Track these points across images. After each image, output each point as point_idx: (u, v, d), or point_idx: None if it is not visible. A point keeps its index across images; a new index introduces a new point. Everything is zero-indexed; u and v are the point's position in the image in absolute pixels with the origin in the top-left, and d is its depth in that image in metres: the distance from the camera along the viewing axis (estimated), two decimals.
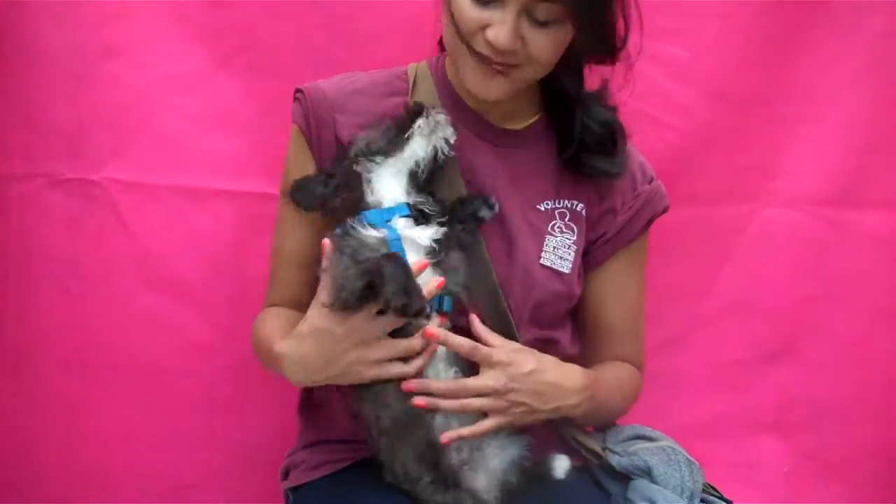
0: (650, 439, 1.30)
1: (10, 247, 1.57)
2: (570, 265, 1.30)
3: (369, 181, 1.20)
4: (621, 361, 1.39)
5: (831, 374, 1.69)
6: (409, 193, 1.20)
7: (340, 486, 1.25)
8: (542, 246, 1.28)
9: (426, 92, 1.31)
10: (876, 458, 1.71)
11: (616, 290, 1.36)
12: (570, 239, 1.30)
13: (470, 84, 1.22)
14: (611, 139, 1.28)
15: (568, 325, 1.36)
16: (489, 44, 1.16)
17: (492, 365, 1.17)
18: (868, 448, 1.71)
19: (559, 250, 1.29)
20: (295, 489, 1.31)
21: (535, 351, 1.22)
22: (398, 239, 1.15)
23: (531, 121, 1.32)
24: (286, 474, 1.34)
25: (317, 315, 1.15)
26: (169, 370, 1.59)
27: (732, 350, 1.69)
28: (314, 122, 1.28)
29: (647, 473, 1.23)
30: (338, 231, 1.18)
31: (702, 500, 1.23)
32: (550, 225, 1.30)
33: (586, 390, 1.23)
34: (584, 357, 1.38)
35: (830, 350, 1.69)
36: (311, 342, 1.15)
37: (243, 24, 1.59)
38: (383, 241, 1.14)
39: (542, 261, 1.28)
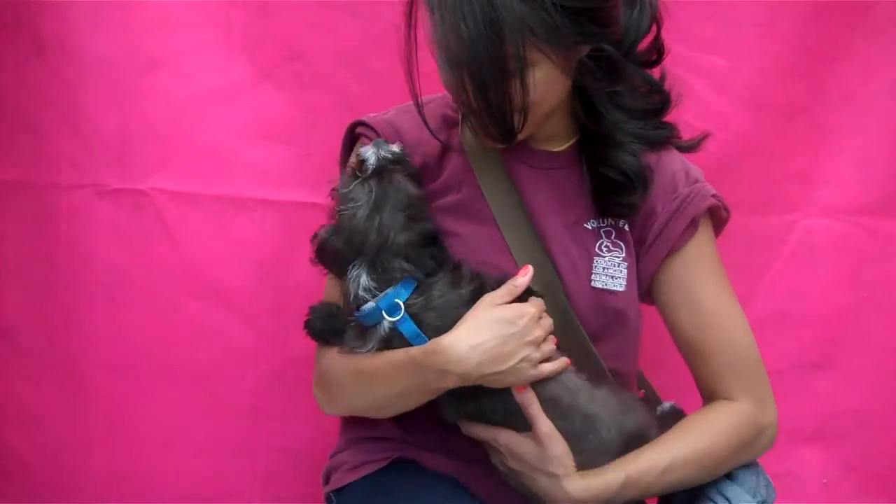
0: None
1: (58, 255, 1.53)
2: (624, 283, 1.20)
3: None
4: (723, 400, 1.21)
5: (872, 383, 1.62)
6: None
7: (381, 486, 1.19)
8: (592, 268, 1.20)
9: None
10: None
11: (681, 301, 1.22)
12: (618, 256, 1.21)
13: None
14: (627, 183, 1.19)
15: (631, 357, 1.27)
16: None
17: (491, 447, 1.13)
18: None
19: (609, 269, 1.20)
20: (337, 492, 1.24)
21: (551, 455, 1.10)
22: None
23: (570, 142, 1.24)
24: (327, 478, 1.28)
25: (488, 308, 1.08)
26: (212, 377, 1.55)
27: (773, 360, 1.55)
28: None
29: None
30: None
31: None
32: (598, 244, 1.21)
33: (585, 499, 1.11)
34: (700, 393, 1.25)
35: (870, 360, 1.62)
36: (487, 331, 1.06)
37: (287, 36, 1.54)
38: None
39: (593, 283, 1.20)
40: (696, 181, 1.24)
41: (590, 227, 1.21)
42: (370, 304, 1.10)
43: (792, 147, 1.57)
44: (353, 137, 1.27)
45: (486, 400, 1.10)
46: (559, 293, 1.17)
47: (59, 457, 1.54)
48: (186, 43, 1.52)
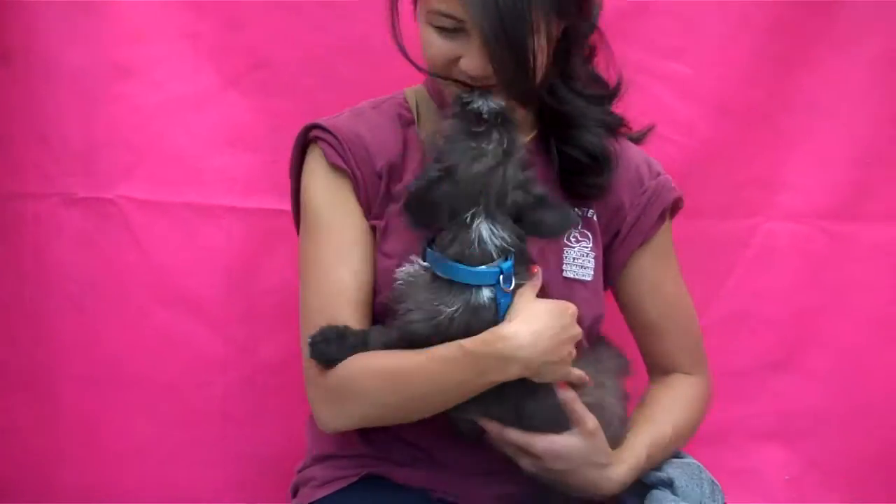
0: (676, 457, 1.23)
1: (25, 264, 1.51)
2: (592, 272, 1.23)
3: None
4: (681, 374, 1.29)
5: (832, 383, 1.64)
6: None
7: (352, 502, 1.18)
8: (562, 258, 1.22)
9: (432, 118, 1.24)
10: (877, 465, 1.65)
11: (647, 288, 1.28)
12: (586, 246, 1.23)
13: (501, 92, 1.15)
14: (594, 164, 1.20)
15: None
16: (465, 73, 1.11)
17: (527, 453, 1.12)
18: (869, 455, 1.65)
19: (579, 260, 1.22)
20: None
21: (596, 446, 1.11)
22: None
23: (531, 135, 1.25)
24: (295, 492, 1.26)
25: (538, 301, 1.07)
26: (182, 384, 1.54)
27: (735, 361, 1.63)
28: (354, 160, 1.19)
29: (669, 486, 1.17)
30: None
31: None
32: (567, 234, 1.22)
33: (621, 488, 1.14)
34: (647, 365, 1.32)
35: (830, 360, 1.64)
36: (545, 319, 1.06)
37: (254, 44, 1.54)
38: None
39: (564, 273, 1.21)
40: (659, 174, 1.30)
41: None
42: (487, 267, 1.05)
43: (754, 152, 1.59)
44: (305, 142, 1.24)
45: (500, 406, 1.09)
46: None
47: (30, 466, 1.52)
48: (154, 51, 1.51)
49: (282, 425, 1.52)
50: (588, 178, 1.21)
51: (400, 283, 1.09)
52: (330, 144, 1.20)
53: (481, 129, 1.06)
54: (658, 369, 1.32)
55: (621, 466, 1.13)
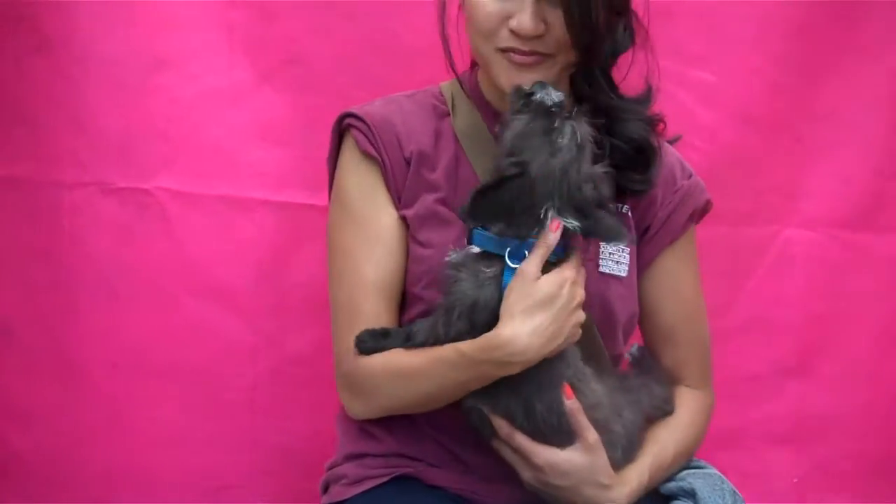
0: (698, 467, 1.24)
1: (61, 252, 1.51)
2: (627, 268, 1.21)
3: None
4: (685, 388, 1.26)
5: (842, 388, 1.67)
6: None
7: (382, 502, 1.16)
8: (599, 253, 1.20)
9: (466, 112, 1.24)
10: (883, 467, 1.69)
11: (668, 290, 1.26)
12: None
13: (505, 84, 1.15)
14: (640, 157, 1.20)
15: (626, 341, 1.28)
16: (514, 35, 1.10)
17: (529, 463, 1.10)
18: (875, 457, 1.69)
19: (614, 255, 1.21)
20: None
21: (597, 463, 1.09)
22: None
23: None
24: (326, 488, 1.25)
25: (532, 287, 1.03)
26: (211, 374, 1.54)
27: (750, 365, 1.66)
28: (383, 146, 1.19)
29: (692, 496, 1.17)
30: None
31: None
32: None
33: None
34: None
35: (842, 366, 1.67)
36: (541, 314, 1.03)
37: (288, 40, 1.54)
38: None
39: (601, 268, 1.19)
40: (692, 175, 1.29)
41: None
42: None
43: (775, 160, 1.61)
44: (341, 130, 1.24)
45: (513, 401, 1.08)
46: None
47: (57, 453, 1.52)
48: (190, 43, 1.51)
49: (309, 417, 1.53)
50: (635, 173, 1.19)
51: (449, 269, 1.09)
52: (361, 132, 1.20)
53: (554, 123, 1.06)
54: (667, 380, 1.28)
55: (624, 488, 1.11)
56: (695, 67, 1.57)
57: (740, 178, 1.60)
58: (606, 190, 1.09)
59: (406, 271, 1.18)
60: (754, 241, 1.63)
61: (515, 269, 1.05)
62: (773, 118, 1.59)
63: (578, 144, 1.06)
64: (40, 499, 1.52)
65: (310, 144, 1.50)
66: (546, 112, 1.06)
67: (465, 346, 1.05)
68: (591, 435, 1.08)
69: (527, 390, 1.08)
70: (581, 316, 1.07)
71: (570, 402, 1.07)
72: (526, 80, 1.11)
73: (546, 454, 1.08)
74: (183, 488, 1.53)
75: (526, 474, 1.11)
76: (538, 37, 1.10)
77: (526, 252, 1.05)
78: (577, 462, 1.08)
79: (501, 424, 1.09)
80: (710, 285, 1.59)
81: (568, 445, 1.09)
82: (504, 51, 1.12)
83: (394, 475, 1.18)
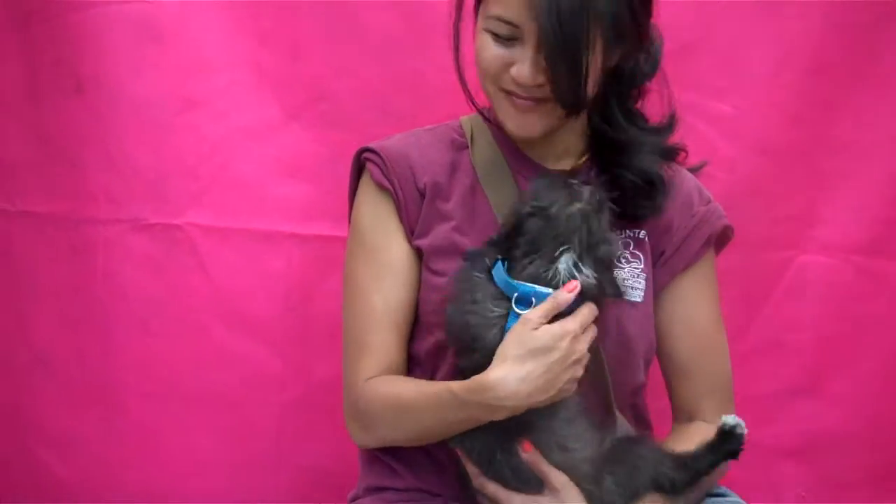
0: (719, 495, 1.23)
1: (94, 287, 1.55)
2: (643, 294, 1.20)
3: None
4: (704, 424, 1.22)
5: (851, 406, 1.67)
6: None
7: None
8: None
9: (486, 144, 1.25)
10: (889, 478, 1.69)
11: (682, 318, 1.23)
12: (637, 267, 1.20)
13: (508, 125, 1.17)
14: (650, 188, 1.19)
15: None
16: (515, 80, 1.12)
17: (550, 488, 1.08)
18: (881, 470, 1.68)
19: (629, 281, 1.19)
20: None
21: (554, 497, 1.07)
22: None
23: (582, 160, 1.25)
24: None
25: (530, 334, 1.02)
26: (241, 402, 1.58)
27: (761, 385, 1.66)
28: (396, 179, 1.21)
29: None
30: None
31: None
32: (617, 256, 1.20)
33: None
34: (672, 408, 1.27)
35: (852, 385, 1.67)
36: (532, 362, 1.01)
37: (315, 78, 1.57)
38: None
39: None
40: (710, 201, 1.28)
41: None
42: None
43: (792, 190, 1.62)
44: (360, 165, 1.25)
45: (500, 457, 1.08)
46: None
47: (96, 477, 1.56)
48: (219, 83, 1.54)
49: (336, 442, 1.52)
50: (642, 200, 1.19)
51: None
52: (377, 164, 1.22)
53: (574, 186, 1.09)
54: (683, 414, 1.26)
55: None
56: (715, 100, 1.57)
57: (758, 207, 1.60)
58: (618, 253, 1.10)
59: (420, 300, 1.20)
60: (770, 266, 1.63)
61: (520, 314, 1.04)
62: (791, 149, 1.59)
63: (599, 200, 1.08)
64: None
65: (335, 179, 1.52)
66: (566, 182, 1.09)
67: (455, 385, 1.05)
68: (557, 478, 1.07)
69: (495, 437, 1.07)
70: (578, 372, 1.04)
71: (529, 455, 1.06)
72: (527, 123, 1.14)
73: (518, 500, 1.07)
74: None
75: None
76: (538, 85, 1.11)
77: (533, 300, 1.04)
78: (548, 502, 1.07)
79: (474, 472, 1.09)
80: (728, 309, 1.59)
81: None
82: (507, 92, 1.14)
83: None
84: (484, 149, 1.24)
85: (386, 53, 1.55)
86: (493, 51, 1.12)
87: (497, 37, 1.11)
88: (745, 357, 1.62)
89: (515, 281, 1.05)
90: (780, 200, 1.61)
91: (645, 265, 1.21)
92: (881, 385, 1.66)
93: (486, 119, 1.25)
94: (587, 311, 1.05)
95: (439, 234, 1.19)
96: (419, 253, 1.20)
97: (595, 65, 1.08)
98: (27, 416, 1.57)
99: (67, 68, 1.51)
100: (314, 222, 1.56)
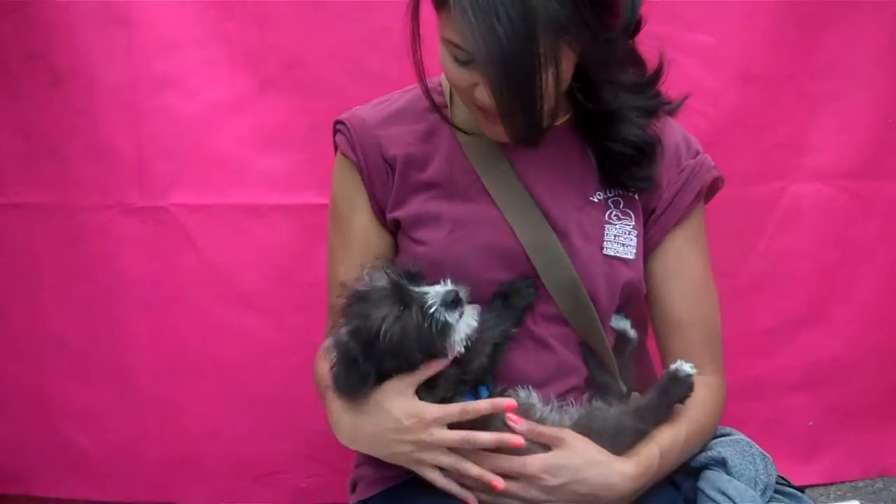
0: (725, 434, 1.19)
1: (94, 271, 1.57)
2: (634, 251, 1.16)
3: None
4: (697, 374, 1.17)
5: (853, 333, 1.65)
6: None
7: (403, 499, 1.15)
8: (603, 236, 1.15)
9: (463, 104, 1.19)
10: (891, 404, 1.67)
11: (674, 272, 1.19)
12: (628, 224, 1.16)
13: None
14: (641, 155, 1.15)
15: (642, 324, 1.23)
16: (480, 103, 1.07)
17: (525, 479, 1.05)
18: (883, 395, 1.67)
19: (620, 237, 1.15)
20: (362, 502, 1.22)
21: (583, 447, 1.06)
22: None
23: (565, 118, 1.20)
24: (353, 487, 1.26)
25: (397, 398, 1.04)
26: (246, 371, 1.60)
27: (764, 319, 1.64)
28: (361, 150, 1.19)
29: (723, 465, 1.13)
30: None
31: (775, 492, 1.13)
32: (607, 214, 1.16)
33: (636, 486, 1.07)
34: (664, 364, 1.22)
35: (852, 311, 1.64)
36: (370, 420, 1.05)
37: (285, 45, 1.53)
38: None
39: (605, 251, 1.14)
40: (698, 153, 1.23)
41: (597, 200, 1.17)
42: None
43: (779, 117, 1.55)
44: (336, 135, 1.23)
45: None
46: (569, 269, 1.12)
47: (115, 447, 1.61)
48: (190, 60, 1.52)
49: None
50: (635, 171, 1.15)
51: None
52: (344, 136, 1.20)
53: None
54: None
55: (630, 461, 1.07)
56: (693, 30, 1.50)
57: (746, 138, 1.55)
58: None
59: None
60: (763, 198, 1.58)
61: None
62: (775, 74, 1.52)
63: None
64: (109, 489, 1.62)
65: (316, 146, 1.50)
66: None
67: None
68: (560, 431, 1.06)
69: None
70: (424, 456, 1.04)
71: (519, 426, 1.05)
72: (500, 133, 1.07)
73: (534, 460, 1.05)
74: (230, 474, 1.60)
75: (532, 494, 1.05)
76: None
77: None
78: (566, 454, 1.05)
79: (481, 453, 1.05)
80: (722, 247, 1.55)
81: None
82: (477, 106, 1.08)
83: (413, 475, 1.13)
84: (463, 108, 1.18)
85: (355, 14, 1.50)
86: (455, 72, 1.06)
87: (456, 59, 1.05)
88: (743, 293, 1.61)
89: None
90: (768, 129, 1.55)
91: (636, 222, 1.17)
92: (880, 310, 1.62)
93: None
94: (468, 407, 1.04)
95: (415, 204, 1.17)
96: (396, 223, 1.18)
97: (552, 81, 1.00)
98: (49, 394, 1.62)
99: (42, 62, 1.50)
100: (298, 192, 1.54)
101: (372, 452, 1.10)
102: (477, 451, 1.05)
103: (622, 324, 1.17)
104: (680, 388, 1.10)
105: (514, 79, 0.97)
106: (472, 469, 1.04)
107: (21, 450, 1.62)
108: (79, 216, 1.54)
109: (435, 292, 1.02)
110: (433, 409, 1.04)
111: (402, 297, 1.02)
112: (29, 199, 1.55)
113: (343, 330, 1.05)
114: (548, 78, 0.99)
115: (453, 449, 1.04)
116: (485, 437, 1.04)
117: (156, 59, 1.50)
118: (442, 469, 1.06)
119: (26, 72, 1.49)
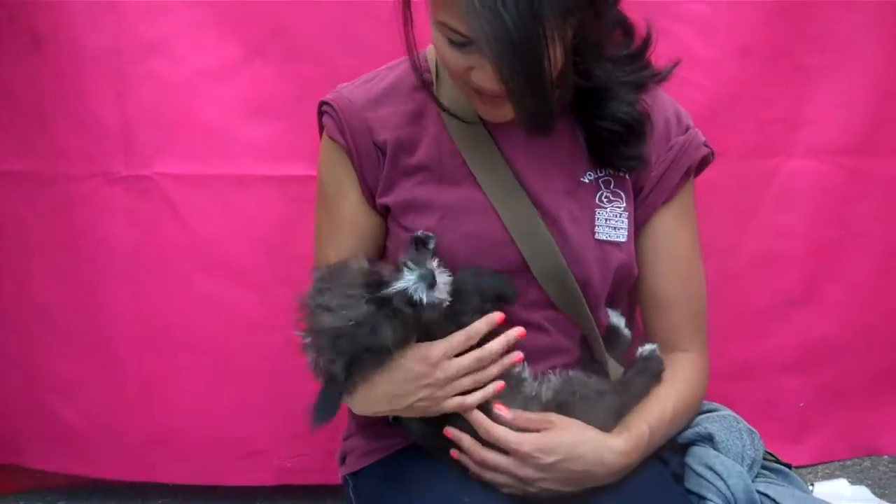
0: (711, 410, 1.18)
1: (79, 241, 1.54)
2: (626, 233, 1.13)
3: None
4: (681, 352, 1.17)
5: (845, 312, 1.63)
6: None
7: (393, 471, 1.15)
8: (594, 220, 1.13)
9: (450, 83, 1.15)
10: (880, 383, 1.66)
11: (663, 251, 1.17)
12: (619, 206, 1.13)
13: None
14: (630, 132, 1.12)
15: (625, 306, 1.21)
16: (478, 86, 1.03)
17: (519, 457, 1.04)
18: (874, 374, 1.65)
19: (611, 220, 1.13)
20: (353, 474, 1.21)
21: (574, 426, 1.05)
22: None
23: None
24: (343, 459, 1.24)
25: (403, 357, 1.04)
26: (232, 345, 1.56)
27: (757, 299, 1.61)
28: (350, 134, 1.15)
29: (710, 440, 1.12)
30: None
31: (762, 468, 1.12)
32: (598, 196, 1.13)
33: (627, 462, 1.06)
34: (646, 332, 1.21)
35: (845, 291, 1.62)
36: (382, 379, 1.04)
37: (274, 11, 1.49)
38: None
39: (596, 236, 1.12)
40: (688, 128, 1.18)
41: (587, 181, 1.14)
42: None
43: (776, 91, 1.51)
44: (321, 116, 1.20)
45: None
46: (557, 256, 1.09)
47: (100, 420, 1.57)
48: (176, 25, 1.48)
49: None
50: (624, 150, 1.12)
51: None
52: (332, 118, 1.16)
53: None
54: (661, 347, 1.19)
55: (621, 436, 1.06)
56: (690, 2, 1.46)
57: (743, 112, 1.51)
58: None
59: (389, 254, 1.16)
60: (759, 174, 1.55)
61: None
62: (771, 46, 1.49)
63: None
64: (94, 463, 1.59)
65: (304, 116, 1.41)
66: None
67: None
68: (548, 415, 1.05)
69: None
70: (441, 394, 1.03)
71: (504, 414, 1.04)
72: (500, 113, 1.06)
73: (528, 438, 1.04)
74: (215, 450, 1.57)
75: (526, 472, 1.04)
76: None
77: None
78: (557, 432, 1.04)
79: (480, 422, 1.05)
80: (717, 224, 1.53)
81: None
82: (473, 89, 1.05)
83: (404, 445, 1.16)
84: (450, 86, 1.14)
85: None
86: (449, 54, 1.02)
87: (452, 42, 1.01)
88: (737, 272, 1.58)
89: None
90: (764, 103, 1.51)
91: (627, 203, 1.14)
92: (872, 290, 1.59)
93: None
94: (452, 341, 1.04)
95: (404, 190, 1.14)
96: (385, 208, 1.15)
97: (558, 59, 0.97)
98: (34, 365, 1.58)
99: (24, 25, 1.45)
100: (286, 163, 1.51)
101: (390, 410, 1.08)
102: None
103: (618, 321, 1.16)
104: (653, 364, 1.11)
105: (523, 65, 0.94)
106: (492, 370, 1.05)
107: (10, 420, 1.59)
108: (63, 185, 1.50)
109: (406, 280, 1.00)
110: (437, 346, 1.05)
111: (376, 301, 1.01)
112: (12, 166, 1.51)
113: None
114: (556, 59, 0.96)
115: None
116: (494, 344, 1.05)
117: (141, 22, 1.45)
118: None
119: (7, 35, 1.45)
